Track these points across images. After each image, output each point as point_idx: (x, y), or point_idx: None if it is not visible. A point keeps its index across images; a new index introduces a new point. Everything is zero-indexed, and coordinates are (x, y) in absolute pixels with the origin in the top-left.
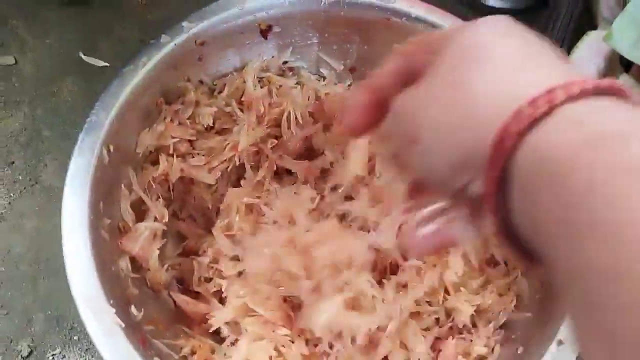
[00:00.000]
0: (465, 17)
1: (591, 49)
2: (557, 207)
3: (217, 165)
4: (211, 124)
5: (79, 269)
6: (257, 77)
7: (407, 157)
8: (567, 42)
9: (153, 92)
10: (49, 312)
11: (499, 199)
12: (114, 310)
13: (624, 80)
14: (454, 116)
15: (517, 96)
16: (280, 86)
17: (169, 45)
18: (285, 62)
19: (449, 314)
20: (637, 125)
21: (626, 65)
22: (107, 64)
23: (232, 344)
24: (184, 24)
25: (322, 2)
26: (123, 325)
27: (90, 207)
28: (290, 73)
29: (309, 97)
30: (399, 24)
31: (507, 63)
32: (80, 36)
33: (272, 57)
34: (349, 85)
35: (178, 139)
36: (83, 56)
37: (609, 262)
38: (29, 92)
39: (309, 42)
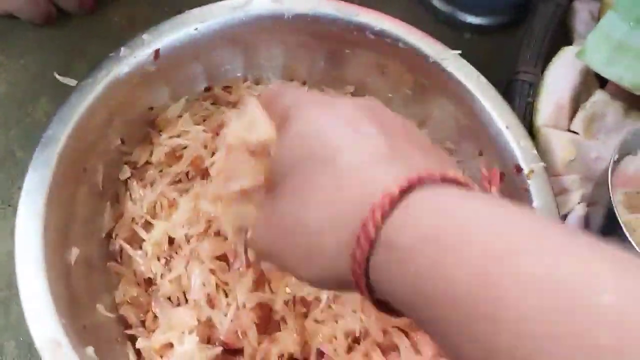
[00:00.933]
0: (446, 36)
1: (566, 64)
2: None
3: None
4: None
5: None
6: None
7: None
8: (542, 58)
9: (111, 106)
10: (21, 339)
11: (368, 285)
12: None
13: (599, 96)
14: (305, 249)
15: (359, 205)
16: None
17: (128, 58)
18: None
19: None
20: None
21: (602, 81)
22: None
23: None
24: (144, 36)
25: (285, 15)
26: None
27: (46, 226)
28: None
29: None
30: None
31: (349, 173)
32: (55, 57)
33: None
34: None
35: None
36: (57, 76)
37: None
38: (2, 113)
39: (274, 56)
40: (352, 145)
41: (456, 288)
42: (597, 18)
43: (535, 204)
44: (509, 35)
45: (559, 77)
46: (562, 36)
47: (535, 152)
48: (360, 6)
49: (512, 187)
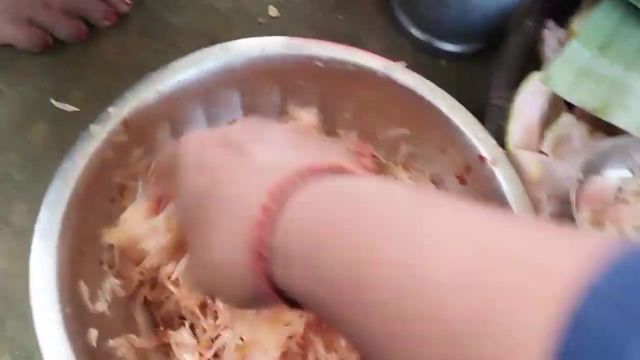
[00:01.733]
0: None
1: (535, 89)
2: (304, 276)
3: None
4: None
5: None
6: None
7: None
8: (513, 83)
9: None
10: (17, 353)
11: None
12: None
13: (566, 118)
14: (221, 280)
15: (246, 237)
16: None
17: (100, 134)
18: None
19: None
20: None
21: (569, 104)
22: (77, 109)
23: None
24: (110, 109)
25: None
26: None
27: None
28: None
29: None
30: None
31: (236, 197)
32: (51, 83)
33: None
34: None
35: None
36: (54, 102)
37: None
38: (1, 137)
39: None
40: (233, 169)
41: (334, 277)
42: (564, 44)
43: (504, 187)
44: (483, 61)
45: (529, 101)
46: (533, 62)
47: (494, 142)
48: (310, 39)
49: (481, 176)
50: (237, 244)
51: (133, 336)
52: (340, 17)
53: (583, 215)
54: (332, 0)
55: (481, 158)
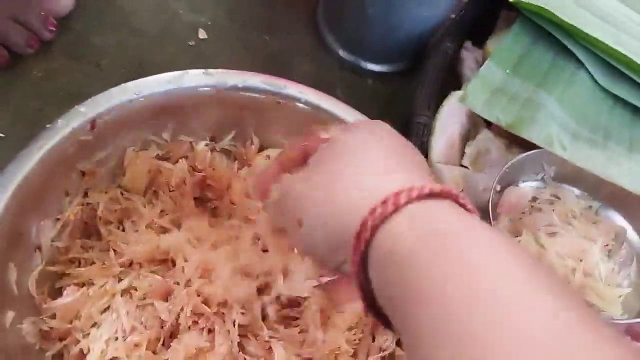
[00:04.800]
0: (352, 82)
1: (455, 107)
2: (399, 286)
3: None
4: None
5: None
6: None
7: (293, 235)
8: (434, 101)
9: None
10: None
11: (364, 277)
12: None
13: (484, 135)
14: (329, 207)
15: (375, 196)
16: None
17: (65, 129)
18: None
19: None
20: (455, 228)
21: (488, 121)
22: (2, 135)
23: None
24: (81, 108)
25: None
26: None
27: None
28: None
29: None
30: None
31: (374, 166)
32: None
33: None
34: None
35: None
36: None
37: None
38: None
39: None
40: (372, 158)
41: (432, 297)
42: (481, 65)
43: None
44: (407, 80)
45: (450, 118)
46: (454, 81)
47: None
48: (285, 79)
49: None
50: (358, 205)
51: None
52: (269, 39)
53: (502, 224)
54: (261, 22)
55: None
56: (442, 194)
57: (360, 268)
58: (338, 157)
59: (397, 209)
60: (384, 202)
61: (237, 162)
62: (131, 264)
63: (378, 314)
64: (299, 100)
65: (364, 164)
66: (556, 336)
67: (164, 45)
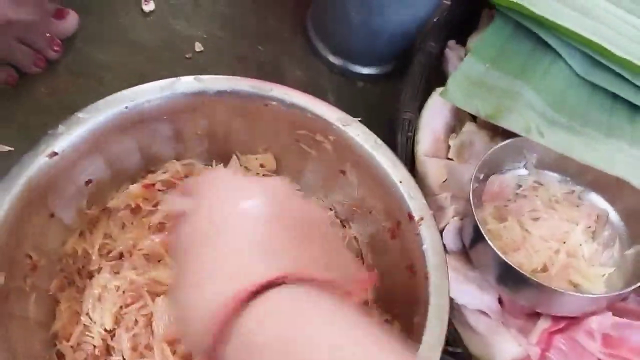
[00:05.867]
0: (342, 86)
1: (439, 102)
2: None
3: None
4: None
5: None
6: None
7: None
8: (419, 98)
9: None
10: None
11: None
12: None
13: (468, 127)
14: (189, 311)
15: (227, 294)
16: None
17: (64, 135)
18: None
19: None
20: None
21: (473, 115)
22: (12, 148)
23: None
24: (80, 114)
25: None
26: None
27: None
28: None
29: None
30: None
31: (222, 261)
32: None
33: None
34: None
35: None
36: None
37: None
38: None
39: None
40: (234, 233)
41: None
42: None
43: (425, 245)
44: (394, 81)
45: (434, 113)
46: (439, 78)
47: (424, 201)
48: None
49: (408, 232)
50: (210, 307)
51: None
52: (261, 48)
53: (487, 211)
54: (253, 33)
55: (410, 217)
56: (289, 278)
57: None
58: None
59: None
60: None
61: None
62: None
63: None
64: (284, 102)
65: (215, 246)
66: None
67: (162, 59)
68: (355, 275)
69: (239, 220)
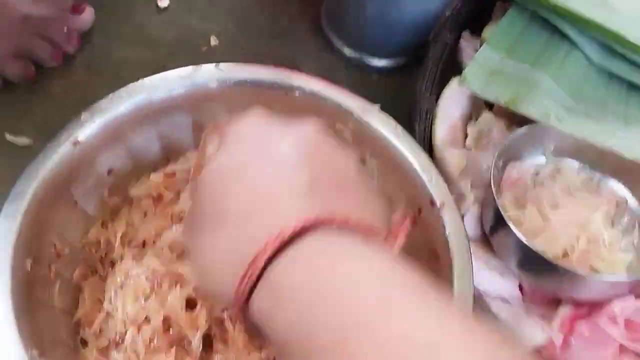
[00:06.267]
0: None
1: (456, 92)
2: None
3: None
4: None
5: None
6: None
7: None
8: (436, 88)
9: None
10: None
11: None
12: None
13: (485, 116)
14: (211, 259)
15: (258, 239)
16: None
17: (89, 122)
18: None
19: None
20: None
21: (489, 104)
22: (30, 142)
23: None
24: (102, 103)
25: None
26: None
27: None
28: None
29: None
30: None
31: (260, 205)
32: (4, 122)
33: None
34: None
35: None
36: (7, 136)
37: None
38: None
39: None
40: (270, 180)
41: (318, 341)
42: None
43: (448, 230)
44: (410, 72)
45: (451, 102)
46: (455, 69)
47: (446, 187)
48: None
49: (429, 218)
50: (242, 250)
51: None
52: (277, 44)
53: (506, 198)
54: (267, 27)
55: (432, 203)
56: (325, 222)
57: (240, 311)
58: (217, 187)
59: (281, 249)
60: (265, 247)
61: None
62: None
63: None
64: (304, 91)
65: (253, 191)
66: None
67: (178, 53)
68: (392, 221)
69: (272, 164)
